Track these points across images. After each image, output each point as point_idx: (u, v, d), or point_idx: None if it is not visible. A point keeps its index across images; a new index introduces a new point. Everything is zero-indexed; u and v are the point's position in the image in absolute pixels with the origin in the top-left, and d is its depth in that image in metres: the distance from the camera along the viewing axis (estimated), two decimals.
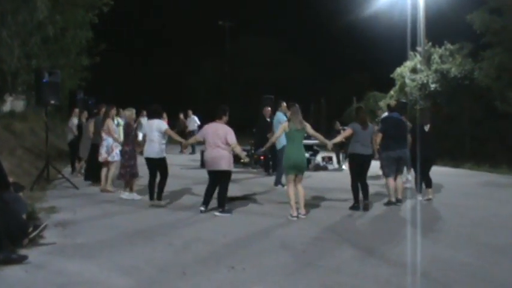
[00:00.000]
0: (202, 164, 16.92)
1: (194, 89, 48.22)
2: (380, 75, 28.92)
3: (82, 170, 14.03)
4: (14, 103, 20.15)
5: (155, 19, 48.29)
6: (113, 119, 12.10)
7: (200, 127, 24.40)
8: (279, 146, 12.15)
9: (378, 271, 6.07)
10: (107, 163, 11.85)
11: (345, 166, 16.94)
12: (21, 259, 6.05)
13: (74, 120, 14.92)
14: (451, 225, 8.77)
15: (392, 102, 11.52)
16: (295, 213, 9.09)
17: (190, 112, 24.76)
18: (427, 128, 10.89)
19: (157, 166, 10.21)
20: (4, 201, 6.76)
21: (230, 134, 9.41)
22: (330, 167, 17.97)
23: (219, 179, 9.50)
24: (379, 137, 10.36)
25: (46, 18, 16.11)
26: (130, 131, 11.04)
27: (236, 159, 16.96)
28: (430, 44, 23.18)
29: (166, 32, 47.89)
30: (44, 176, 12.16)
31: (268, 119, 15.87)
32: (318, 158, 18.49)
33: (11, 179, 7.75)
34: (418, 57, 23.17)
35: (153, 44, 48.28)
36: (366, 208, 9.89)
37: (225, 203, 9.53)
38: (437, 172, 11.31)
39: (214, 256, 6.60)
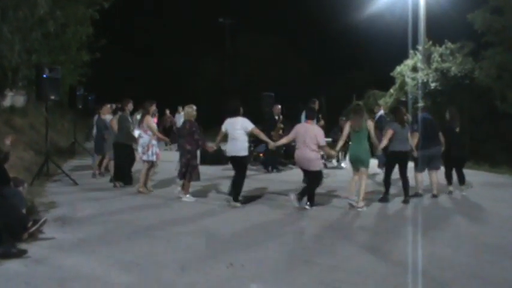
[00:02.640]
0: (202, 160, 16.98)
1: (194, 86, 48.10)
2: (380, 73, 28.87)
3: (102, 168, 13.55)
4: (14, 98, 20.12)
5: (155, 15, 48.19)
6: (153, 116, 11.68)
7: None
8: None
9: (377, 269, 6.09)
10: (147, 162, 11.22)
11: (344, 164, 16.95)
12: (21, 253, 6.08)
13: (108, 117, 13.77)
14: (450, 224, 8.79)
15: (419, 105, 11.83)
16: (353, 197, 9.85)
17: (180, 109, 23.80)
18: (457, 128, 11.66)
19: (235, 163, 10.12)
20: (4, 196, 6.78)
21: (320, 136, 9.73)
22: (329, 164, 17.93)
23: (309, 175, 9.85)
24: (416, 137, 10.94)
25: (47, 13, 16.08)
26: (193, 129, 10.42)
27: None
28: (430, 42, 23.12)
29: (166, 28, 47.77)
30: (44, 171, 12.19)
31: (277, 117, 15.84)
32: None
33: (11, 174, 7.77)
34: (419, 56, 23.12)
35: (153, 41, 48.17)
36: (406, 201, 10.42)
37: (314, 198, 9.82)
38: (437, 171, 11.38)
39: (213, 252, 6.63)
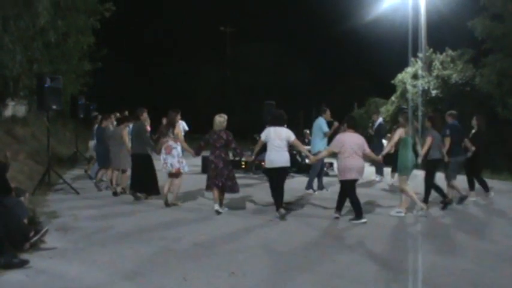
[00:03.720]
0: (204, 169, 16.92)
1: (195, 95, 48.19)
2: (381, 81, 28.92)
3: (104, 177, 13.06)
4: (15, 108, 20.16)
5: (156, 24, 48.31)
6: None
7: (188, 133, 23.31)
8: (314, 150, 12.12)
9: (378, 276, 6.09)
10: (174, 174, 10.77)
11: None
12: (23, 263, 6.07)
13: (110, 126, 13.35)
14: (451, 231, 8.79)
15: (453, 112, 11.88)
16: (424, 207, 9.99)
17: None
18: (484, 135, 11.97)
19: (282, 174, 9.80)
20: (5, 206, 6.78)
21: (366, 143, 9.68)
22: (331, 172, 17.88)
23: (353, 187, 9.59)
24: (448, 142, 11.07)
25: (48, 23, 16.16)
26: (230, 139, 9.99)
27: (238, 164, 17.07)
28: (431, 50, 23.19)
29: (168, 37, 47.99)
30: (46, 181, 12.17)
31: None
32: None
33: (12, 184, 7.77)
34: (419, 63, 23.17)
35: (155, 50, 48.36)
36: (445, 206, 10.64)
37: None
38: (438, 178, 11.34)
39: (215, 261, 6.62)
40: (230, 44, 46.36)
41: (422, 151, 10.38)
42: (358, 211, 9.36)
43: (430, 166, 10.72)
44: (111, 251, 7.02)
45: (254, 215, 9.97)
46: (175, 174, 10.74)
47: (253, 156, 10.96)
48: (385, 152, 10.51)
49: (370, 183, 14.08)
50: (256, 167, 17.30)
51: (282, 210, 9.53)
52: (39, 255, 6.63)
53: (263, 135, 9.91)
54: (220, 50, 46.88)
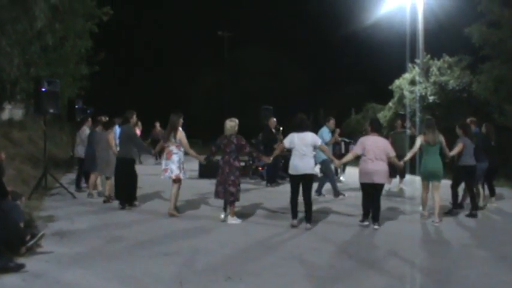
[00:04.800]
0: (201, 174, 16.91)
1: (192, 99, 48.20)
2: (379, 86, 28.99)
3: (99, 187, 12.84)
4: (12, 111, 20.15)
5: (154, 28, 48.42)
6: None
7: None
8: (319, 159, 12.06)
9: (375, 282, 6.07)
10: (173, 181, 10.28)
11: (343, 177, 16.91)
12: (19, 268, 6.04)
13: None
14: (449, 237, 8.76)
15: (474, 119, 12.23)
16: (426, 214, 10.16)
17: None
18: (493, 142, 11.96)
19: (307, 182, 9.35)
20: (2, 210, 6.76)
21: (389, 147, 9.59)
22: None
23: (374, 192, 9.44)
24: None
25: (45, 27, 16.13)
26: (242, 143, 9.75)
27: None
28: (428, 56, 23.24)
29: (165, 41, 48.04)
30: (42, 185, 12.13)
31: (274, 130, 15.69)
32: (317, 169, 18.31)
33: (9, 188, 7.75)
34: (417, 70, 23.22)
35: (152, 54, 48.44)
36: (474, 215, 10.64)
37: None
38: (444, 185, 11.37)
39: (212, 266, 6.60)
40: (228, 49, 46.38)
41: (451, 153, 10.36)
42: (364, 213, 9.57)
43: (463, 172, 10.75)
44: (107, 256, 7.00)
45: (255, 220, 9.98)
46: (174, 181, 10.31)
47: (271, 158, 10.66)
48: (407, 158, 10.48)
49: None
50: (253, 172, 17.28)
51: (309, 225, 9.18)
52: (35, 259, 6.61)
53: (287, 142, 9.56)
54: (218, 54, 46.91)
